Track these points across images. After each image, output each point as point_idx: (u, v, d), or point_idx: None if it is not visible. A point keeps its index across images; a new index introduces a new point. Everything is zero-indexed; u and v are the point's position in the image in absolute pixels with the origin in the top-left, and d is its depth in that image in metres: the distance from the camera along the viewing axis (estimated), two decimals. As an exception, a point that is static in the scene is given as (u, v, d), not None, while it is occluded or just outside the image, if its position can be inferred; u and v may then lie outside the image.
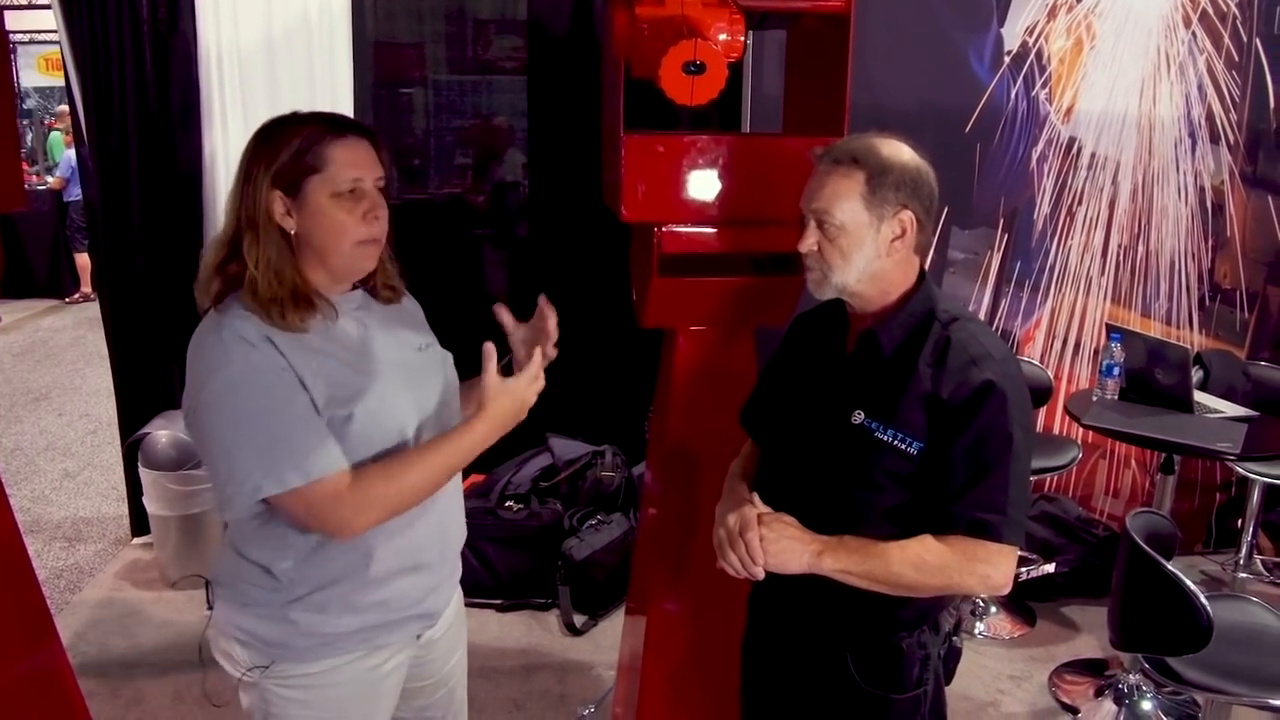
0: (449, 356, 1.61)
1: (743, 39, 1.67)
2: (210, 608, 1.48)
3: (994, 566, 1.36)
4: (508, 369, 1.53)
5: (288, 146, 1.33)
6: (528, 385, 1.45)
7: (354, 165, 1.36)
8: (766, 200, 1.83)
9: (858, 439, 1.41)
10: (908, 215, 1.40)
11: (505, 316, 1.59)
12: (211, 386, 1.30)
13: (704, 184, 1.85)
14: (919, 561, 1.36)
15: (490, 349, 1.41)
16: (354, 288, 1.47)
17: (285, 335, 1.33)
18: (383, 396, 1.38)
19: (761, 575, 1.41)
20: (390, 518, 1.37)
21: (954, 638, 1.56)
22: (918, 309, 1.44)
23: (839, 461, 1.44)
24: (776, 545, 1.39)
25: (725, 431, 1.73)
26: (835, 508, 1.43)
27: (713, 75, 1.60)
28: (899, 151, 1.42)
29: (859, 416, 1.42)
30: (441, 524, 1.50)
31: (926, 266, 1.49)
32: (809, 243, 1.43)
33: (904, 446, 1.38)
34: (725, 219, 1.89)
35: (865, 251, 1.41)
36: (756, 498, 1.46)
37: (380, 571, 1.41)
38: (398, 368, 1.44)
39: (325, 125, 1.36)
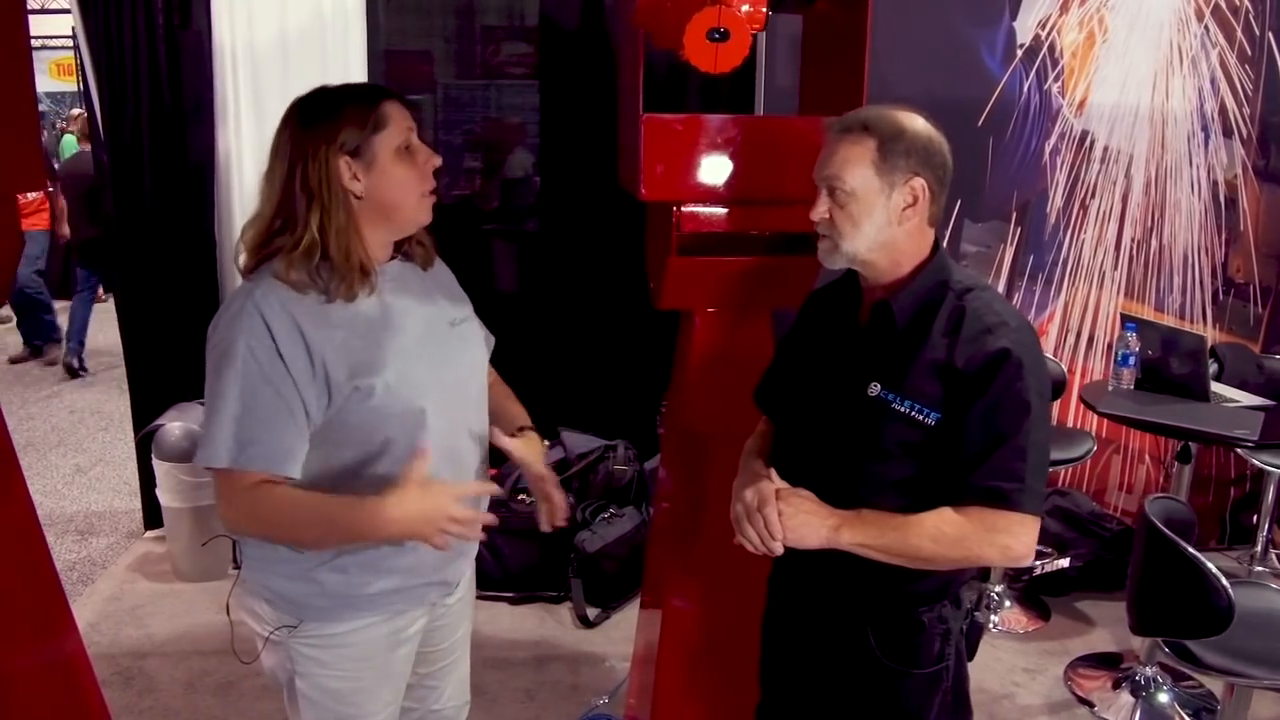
0: (484, 334, 1.63)
1: (764, 10, 1.67)
2: (237, 566, 1.50)
3: (1014, 536, 1.34)
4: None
5: (346, 112, 1.37)
6: (449, 501, 1.33)
7: (406, 120, 1.41)
8: (783, 180, 1.83)
9: (874, 411, 1.40)
10: (919, 183, 1.40)
11: (503, 440, 1.54)
12: (214, 347, 1.35)
13: (721, 164, 1.85)
14: (937, 534, 1.35)
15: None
16: (391, 256, 1.48)
17: (308, 309, 1.34)
18: (403, 372, 1.39)
19: (780, 550, 1.41)
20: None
21: (975, 613, 1.54)
22: (930, 279, 1.43)
23: (853, 434, 1.43)
24: (794, 520, 1.38)
25: (741, 414, 1.72)
26: (848, 480, 1.43)
27: (737, 43, 1.61)
28: (912, 120, 1.41)
29: (875, 388, 1.41)
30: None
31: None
32: (820, 210, 1.43)
33: (921, 417, 1.37)
34: (742, 198, 1.89)
35: (876, 219, 1.40)
36: (774, 473, 1.45)
37: None
38: (423, 342, 1.45)
39: (368, 90, 1.42)
